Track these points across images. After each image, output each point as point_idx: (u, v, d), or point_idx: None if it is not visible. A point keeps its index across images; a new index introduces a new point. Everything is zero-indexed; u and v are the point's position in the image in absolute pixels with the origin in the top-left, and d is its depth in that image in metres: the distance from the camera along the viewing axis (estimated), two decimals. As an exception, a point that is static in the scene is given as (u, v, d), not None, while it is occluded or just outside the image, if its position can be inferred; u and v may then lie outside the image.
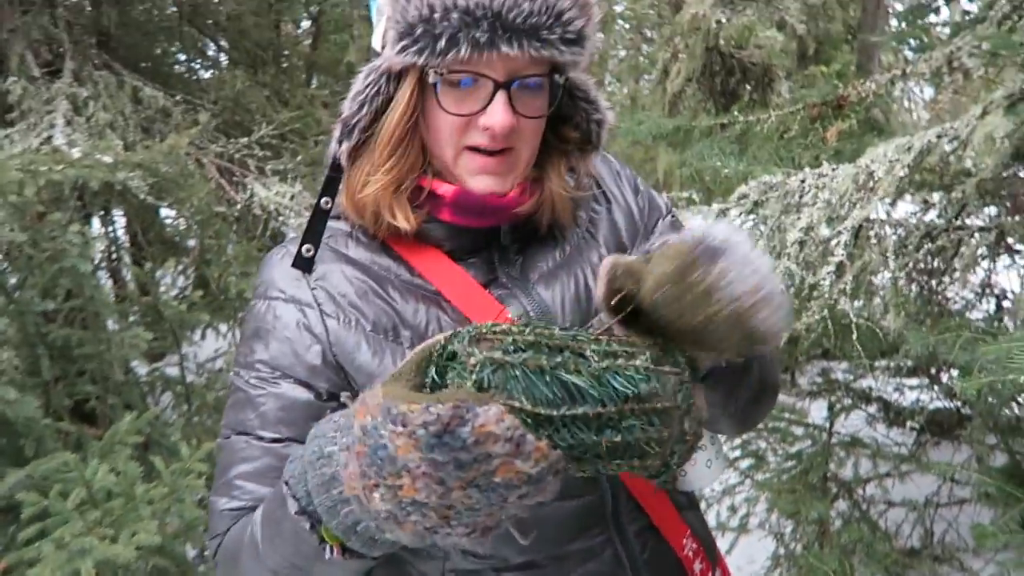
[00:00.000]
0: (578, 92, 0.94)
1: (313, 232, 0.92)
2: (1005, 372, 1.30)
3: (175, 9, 4.54)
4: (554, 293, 0.94)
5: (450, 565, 0.92)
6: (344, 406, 0.88)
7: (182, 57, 4.90)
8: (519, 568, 0.93)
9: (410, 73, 0.85)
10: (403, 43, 0.82)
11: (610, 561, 0.95)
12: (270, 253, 0.97)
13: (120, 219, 3.92)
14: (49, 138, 3.04)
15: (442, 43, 0.80)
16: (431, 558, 0.93)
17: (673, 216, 1.09)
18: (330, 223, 0.95)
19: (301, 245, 0.91)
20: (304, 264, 0.91)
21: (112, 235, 3.74)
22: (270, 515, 0.78)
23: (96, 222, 3.65)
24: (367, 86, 0.88)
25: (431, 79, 0.84)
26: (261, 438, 0.88)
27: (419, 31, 0.81)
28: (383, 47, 0.86)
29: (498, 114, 0.83)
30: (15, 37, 3.40)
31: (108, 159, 2.84)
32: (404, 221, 0.89)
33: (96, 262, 3.13)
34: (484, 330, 0.63)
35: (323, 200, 0.92)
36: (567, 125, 0.96)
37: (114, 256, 3.82)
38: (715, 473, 0.99)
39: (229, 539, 0.86)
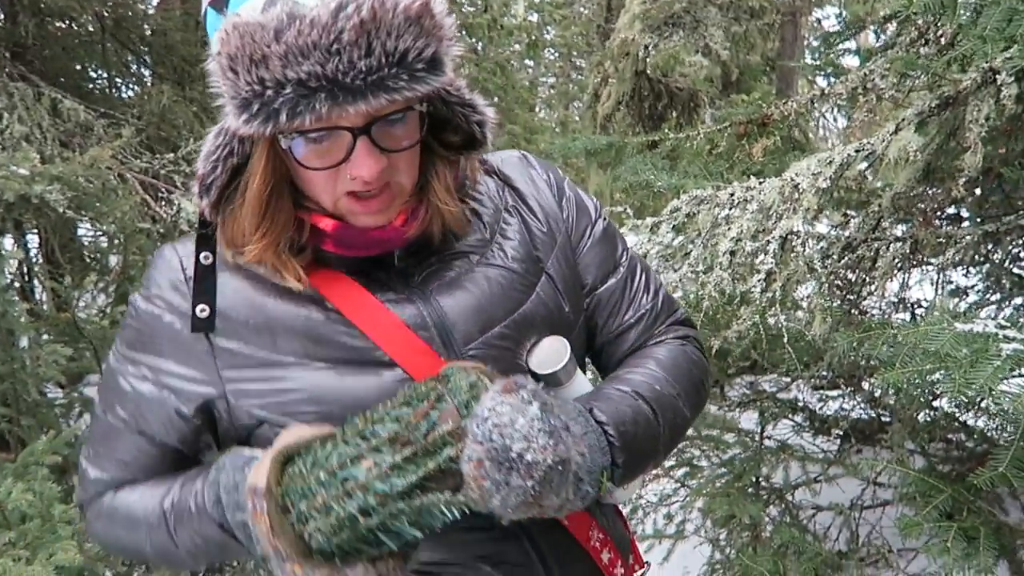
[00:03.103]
0: (452, 97, 0.91)
1: (202, 292, 0.89)
2: (924, 359, 1.36)
3: (99, 25, 4.42)
4: (455, 300, 0.92)
5: None
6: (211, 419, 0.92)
7: (104, 73, 4.76)
8: (426, 572, 0.96)
9: (261, 140, 0.82)
10: (243, 116, 0.77)
11: (518, 555, 0.97)
12: (159, 253, 0.95)
13: (33, 236, 3.74)
14: (-41, 149, 2.89)
15: (283, 116, 0.75)
16: None
17: (605, 221, 1.08)
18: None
19: (194, 306, 0.89)
20: (203, 326, 0.88)
21: (25, 251, 3.56)
22: (193, 527, 0.86)
23: (7, 239, 3.48)
24: (218, 147, 0.86)
25: (283, 144, 0.81)
26: (128, 429, 0.92)
27: (256, 107, 0.76)
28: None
29: (364, 164, 0.80)
30: (-77, 45, 3.23)
31: (24, 171, 2.72)
32: (295, 280, 0.88)
33: (9, 280, 2.98)
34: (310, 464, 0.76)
35: (203, 256, 0.91)
36: (448, 130, 0.94)
37: (26, 273, 3.64)
38: (631, 490, 1.03)
39: (106, 509, 0.93)
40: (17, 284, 3.49)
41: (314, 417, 0.86)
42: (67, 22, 4.42)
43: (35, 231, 3.67)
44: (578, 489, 0.78)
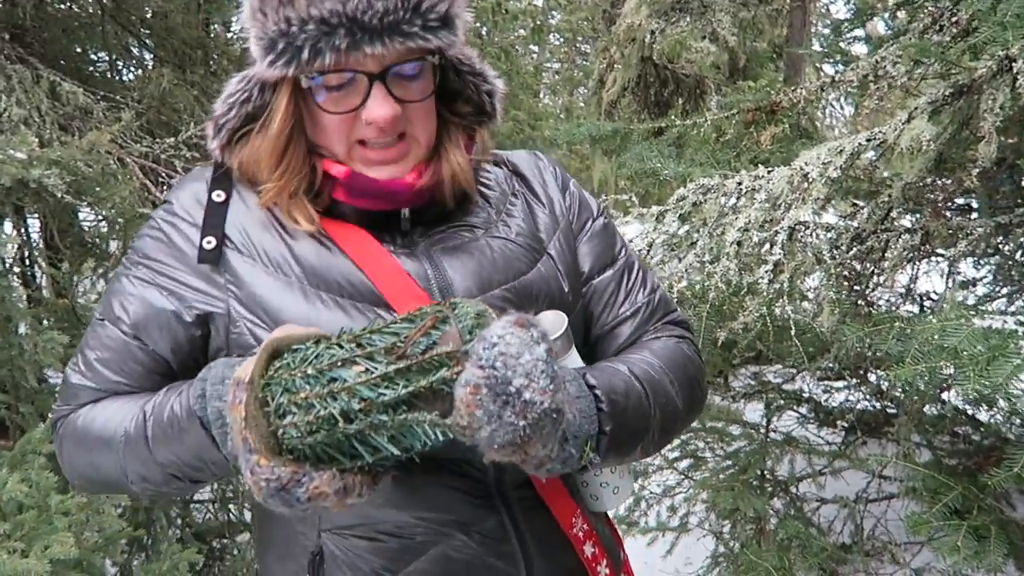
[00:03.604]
0: (463, 67, 0.97)
1: (211, 225, 0.93)
2: (938, 355, 1.32)
3: (99, 9, 4.36)
4: (458, 261, 0.94)
5: (325, 525, 0.93)
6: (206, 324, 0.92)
7: (104, 55, 4.71)
8: (393, 533, 0.92)
9: (283, 83, 0.89)
10: (269, 58, 0.85)
11: (494, 529, 0.94)
12: (191, 173, 1.00)
13: (34, 220, 3.71)
14: (-44, 132, 2.86)
15: (305, 54, 0.83)
16: (305, 519, 0.94)
17: (606, 219, 1.10)
18: None
19: (202, 238, 0.92)
20: (208, 257, 0.91)
21: (25, 236, 3.54)
22: (172, 424, 0.83)
23: (7, 224, 3.45)
24: (238, 91, 0.93)
25: (304, 84, 0.87)
26: (124, 332, 0.92)
27: (281, 45, 0.84)
28: (254, 60, 0.89)
29: (378, 107, 0.86)
30: (-81, 26, 3.19)
31: (22, 155, 2.68)
32: (307, 223, 0.92)
33: (8, 264, 2.96)
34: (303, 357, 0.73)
35: (215, 194, 0.95)
36: (459, 100, 0.99)
37: (27, 258, 3.62)
38: (623, 496, 1.01)
39: (81, 422, 0.91)
40: (17, 269, 3.47)
41: None
42: (67, 3, 4.37)
43: (36, 215, 3.64)
44: (563, 448, 0.76)
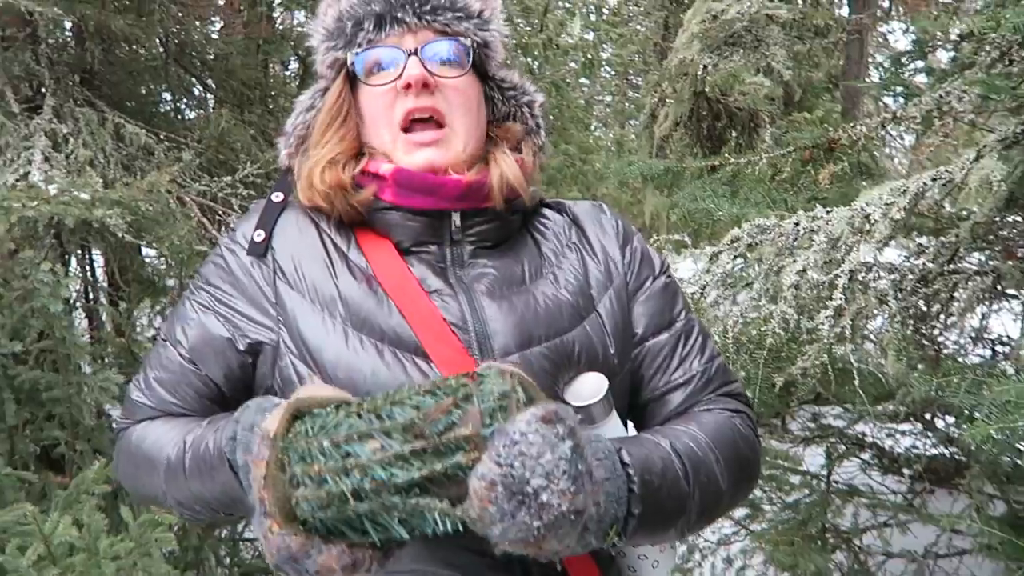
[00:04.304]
0: (504, 84, 1.03)
1: (265, 221, 0.98)
2: (1015, 412, 1.23)
3: (162, 49, 4.52)
4: (499, 310, 0.92)
5: None
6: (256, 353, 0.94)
7: (168, 96, 4.87)
8: None
9: (339, 74, 0.99)
10: (325, 45, 0.99)
11: None
12: (257, 203, 1.05)
13: (99, 258, 3.82)
14: (26, 174, 2.97)
15: (348, 27, 0.95)
16: None
17: (668, 278, 1.06)
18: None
19: (254, 231, 0.97)
20: (257, 249, 0.96)
21: (90, 274, 3.64)
22: (204, 460, 0.85)
23: (74, 261, 3.56)
24: (306, 100, 1.03)
25: (350, 60, 0.96)
26: (182, 356, 0.96)
27: (334, 30, 0.97)
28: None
29: (411, 68, 0.93)
30: (-5, 73, 3.34)
31: (86, 196, 2.77)
32: (334, 181, 0.94)
33: (72, 301, 3.04)
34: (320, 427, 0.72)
35: (274, 195, 1.01)
36: (508, 122, 1.03)
37: (91, 296, 3.72)
38: (663, 570, 0.97)
39: (136, 438, 0.95)
40: (79, 306, 3.56)
41: (340, 386, 0.84)
42: (133, 47, 4.54)
43: (100, 253, 3.75)
44: (582, 537, 0.72)
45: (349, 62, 0.96)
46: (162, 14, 3.93)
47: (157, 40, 4.47)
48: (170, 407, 0.96)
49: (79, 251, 3.56)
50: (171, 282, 3.57)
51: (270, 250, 0.96)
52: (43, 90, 3.54)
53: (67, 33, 4.14)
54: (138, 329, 3.35)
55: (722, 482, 0.89)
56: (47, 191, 2.73)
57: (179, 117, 4.68)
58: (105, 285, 3.79)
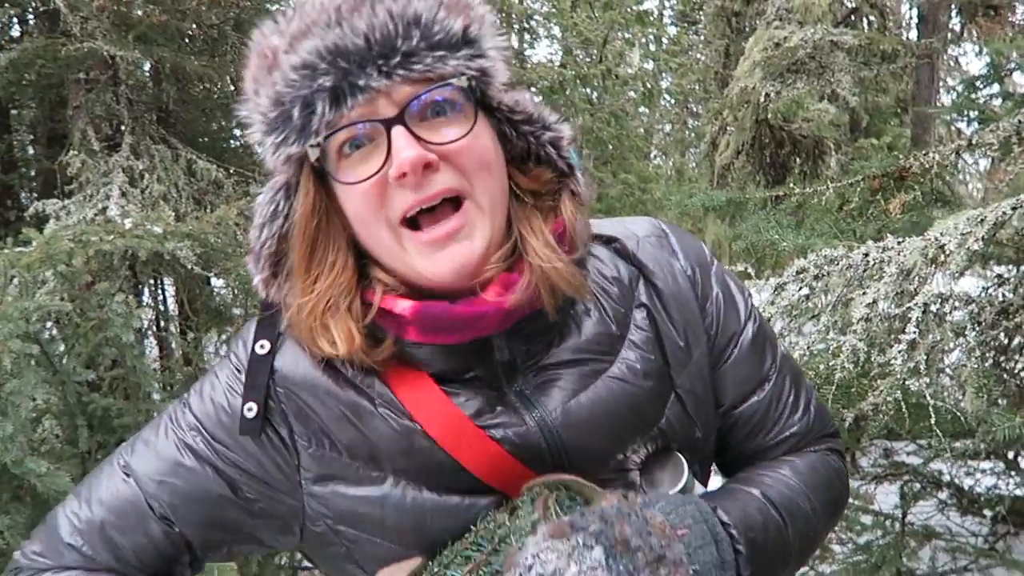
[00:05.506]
0: (516, 116, 0.76)
1: (253, 387, 0.76)
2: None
3: (232, 87, 4.70)
4: (575, 430, 0.77)
5: None
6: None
7: (237, 132, 5.06)
8: None
9: (301, 170, 0.73)
10: (270, 139, 0.71)
11: None
12: (241, 335, 0.82)
13: (170, 288, 3.96)
14: (104, 209, 3.10)
15: (295, 113, 0.68)
16: None
17: (756, 324, 0.88)
18: None
19: (243, 405, 0.76)
20: (251, 428, 0.76)
21: (162, 304, 3.78)
22: None
23: (146, 291, 3.70)
24: (265, 204, 0.75)
25: (313, 157, 0.70)
26: (151, 506, 0.78)
27: (274, 115, 0.70)
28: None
29: (401, 147, 0.67)
30: (78, 113, 3.53)
31: (158, 229, 2.87)
32: (338, 342, 0.72)
33: (143, 331, 3.14)
34: None
35: (259, 345, 0.77)
36: (530, 163, 0.78)
37: (163, 325, 3.85)
38: None
39: None
40: (151, 334, 3.69)
41: (408, 535, 0.77)
42: (206, 86, 4.73)
43: (172, 285, 3.89)
44: None
45: (312, 158, 0.70)
46: (233, 55, 4.09)
47: (228, 79, 4.65)
48: (108, 562, 0.78)
49: (151, 282, 3.69)
50: (237, 311, 3.67)
51: (275, 415, 0.77)
52: (122, 128, 3.71)
53: (146, 74, 4.34)
54: (204, 357, 3.44)
55: (820, 527, 0.85)
56: (123, 225, 2.85)
57: (247, 153, 4.84)
58: (175, 315, 3.92)
